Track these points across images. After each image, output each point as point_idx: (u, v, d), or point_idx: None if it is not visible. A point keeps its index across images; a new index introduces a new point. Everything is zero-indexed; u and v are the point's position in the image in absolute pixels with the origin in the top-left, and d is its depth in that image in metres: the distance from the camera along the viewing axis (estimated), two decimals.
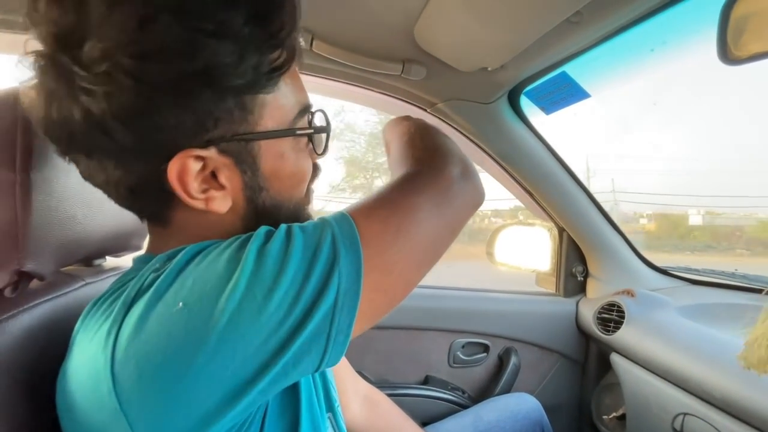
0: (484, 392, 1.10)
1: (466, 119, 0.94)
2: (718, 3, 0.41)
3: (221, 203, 0.36)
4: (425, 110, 0.94)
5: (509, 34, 0.64)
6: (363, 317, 0.33)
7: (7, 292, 0.40)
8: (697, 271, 1.13)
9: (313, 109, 0.41)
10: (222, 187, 0.36)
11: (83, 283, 0.50)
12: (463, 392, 1.09)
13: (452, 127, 0.95)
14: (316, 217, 0.38)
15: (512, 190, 1.11)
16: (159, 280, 0.31)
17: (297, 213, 0.42)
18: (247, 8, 0.32)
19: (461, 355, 1.10)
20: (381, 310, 0.35)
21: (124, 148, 0.32)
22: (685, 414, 0.80)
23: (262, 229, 0.33)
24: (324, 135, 0.42)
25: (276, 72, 0.34)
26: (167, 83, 0.30)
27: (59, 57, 0.30)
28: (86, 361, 0.32)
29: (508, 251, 1.28)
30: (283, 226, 0.33)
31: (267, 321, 0.29)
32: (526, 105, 0.94)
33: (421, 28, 0.71)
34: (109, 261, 0.58)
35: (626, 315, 1.00)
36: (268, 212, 0.39)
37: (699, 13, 0.45)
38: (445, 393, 1.05)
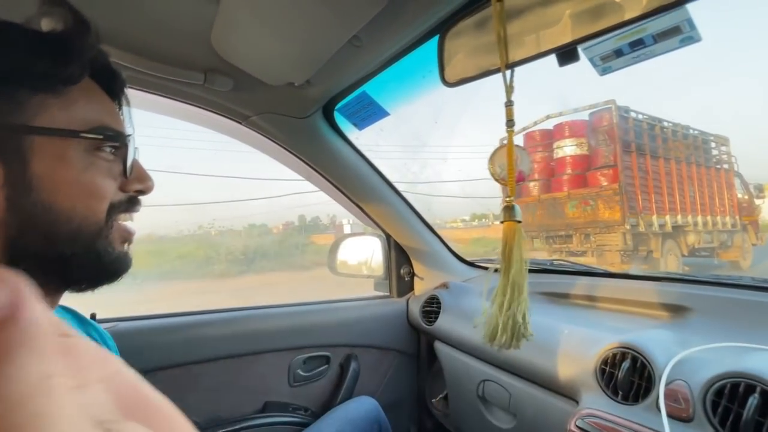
0: (328, 404, 1.10)
1: (283, 133, 0.94)
2: None
3: None
4: (240, 123, 0.91)
5: (300, 50, 0.68)
6: None
7: None
8: (494, 261, 1.38)
9: (126, 140, 0.40)
10: None
11: None
12: (306, 410, 1.07)
13: (270, 140, 0.95)
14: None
15: (341, 201, 1.17)
16: None
17: (89, 237, 0.37)
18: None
19: (302, 372, 1.07)
20: None
21: None
22: (485, 380, 0.96)
23: None
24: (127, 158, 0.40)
25: (53, 76, 0.35)
26: None
27: None
28: None
29: (347, 261, 1.34)
30: None
31: None
32: (342, 121, 1.01)
33: (217, 37, 0.69)
34: None
35: (442, 305, 1.14)
36: (39, 221, 0.35)
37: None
38: (285, 416, 1.01)
